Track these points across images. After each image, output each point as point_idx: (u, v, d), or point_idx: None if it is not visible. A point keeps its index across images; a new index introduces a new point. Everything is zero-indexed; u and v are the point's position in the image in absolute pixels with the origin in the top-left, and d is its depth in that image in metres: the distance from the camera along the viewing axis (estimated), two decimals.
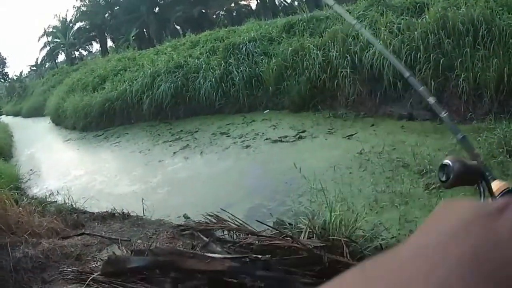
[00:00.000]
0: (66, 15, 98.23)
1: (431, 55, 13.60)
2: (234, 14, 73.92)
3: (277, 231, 6.82)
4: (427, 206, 7.96)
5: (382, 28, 15.85)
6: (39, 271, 7.64)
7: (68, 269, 7.30)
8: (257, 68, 20.38)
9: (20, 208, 9.73)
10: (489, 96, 12.30)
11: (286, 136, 14.79)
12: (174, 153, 16.50)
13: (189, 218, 9.75)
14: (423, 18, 15.02)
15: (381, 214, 8.14)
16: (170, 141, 18.59)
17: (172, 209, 10.76)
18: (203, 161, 14.78)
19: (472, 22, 13.44)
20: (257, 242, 6.51)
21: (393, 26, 15.67)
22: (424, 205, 8.08)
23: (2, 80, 78.33)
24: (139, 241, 8.42)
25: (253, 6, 74.41)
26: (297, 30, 21.32)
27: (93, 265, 7.55)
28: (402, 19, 15.80)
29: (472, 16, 13.53)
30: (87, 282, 6.09)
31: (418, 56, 13.84)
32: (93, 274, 6.31)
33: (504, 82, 11.99)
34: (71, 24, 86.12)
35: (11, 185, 13.08)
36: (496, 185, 1.91)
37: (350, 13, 18.97)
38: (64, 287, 6.81)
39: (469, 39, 13.17)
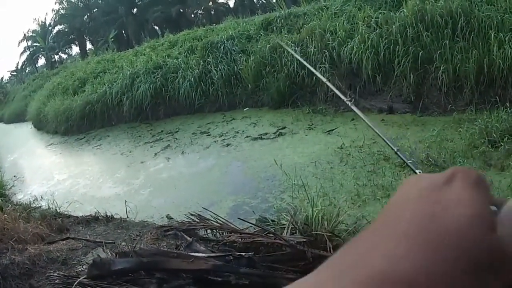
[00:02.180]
0: (45, 18, 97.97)
1: (410, 48, 13.65)
2: (212, 12, 73.77)
3: (260, 228, 6.85)
4: None
5: (360, 22, 15.90)
6: (26, 277, 7.66)
7: (55, 274, 7.28)
8: (235, 66, 20.40)
9: (5, 215, 9.73)
10: (469, 87, 12.36)
11: (266, 133, 14.85)
12: (156, 153, 16.51)
13: (172, 218, 9.78)
14: (401, 12, 15.03)
15: (364, 207, 8.18)
16: (151, 142, 18.63)
17: (155, 210, 10.81)
18: (185, 161, 14.81)
19: (451, 14, 13.48)
20: (240, 239, 6.55)
21: (371, 21, 15.70)
22: None
23: None
24: (123, 243, 8.42)
25: (231, 4, 74.58)
26: (274, 27, 21.35)
27: (79, 269, 7.55)
28: (380, 13, 15.80)
29: (451, 8, 13.56)
30: (73, 286, 6.09)
31: (397, 49, 13.89)
32: (79, 277, 6.29)
33: (484, 73, 12.07)
34: (50, 28, 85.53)
35: None
36: None
37: (327, 8, 19.06)
38: None
39: (448, 31, 13.23)
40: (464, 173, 0.64)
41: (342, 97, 4.71)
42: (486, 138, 9.59)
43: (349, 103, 5.01)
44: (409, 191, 0.65)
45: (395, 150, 3.74)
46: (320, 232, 6.21)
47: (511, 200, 0.65)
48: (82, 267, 7.70)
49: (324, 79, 5.82)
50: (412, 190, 0.64)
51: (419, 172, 2.76)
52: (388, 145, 3.96)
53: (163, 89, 22.63)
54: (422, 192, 0.63)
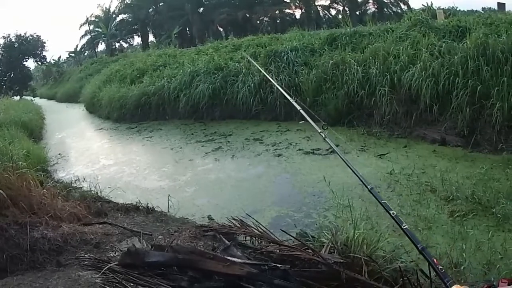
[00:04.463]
0: (109, 5, 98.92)
1: (469, 81, 13.51)
2: (278, 21, 73.77)
3: (300, 243, 6.80)
4: (449, 234, 7.90)
5: (423, 49, 15.83)
6: (55, 254, 7.77)
7: (86, 255, 7.37)
8: (296, 78, 20.31)
9: (44, 190, 9.80)
10: None
11: (319, 149, 14.73)
12: (206, 153, 16.61)
13: (213, 219, 9.83)
14: (464, 43, 14.94)
15: (404, 236, 8.01)
16: (203, 141, 18.73)
17: (197, 209, 10.86)
18: (234, 165, 14.84)
19: None
20: (278, 251, 6.51)
21: (434, 49, 15.65)
22: (447, 232, 8.02)
23: (40, 63, 78.23)
24: (160, 237, 8.50)
25: (298, 16, 74.44)
26: (339, 44, 21.23)
27: (111, 255, 7.61)
28: (444, 42, 15.78)
29: None
30: (103, 271, 6.12)
31: (456, 81, 13.77)
32: (110, 263, 6.33)
33: None
34: (114, 15, 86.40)
35: (38, 167, 13.11)
36: None
37: (393, 31, 19.01)
38: (78, 272, 6.88)
39: (508, 68, 13.06)
40: None
41: (316, 127, 4.70)
42: None
43: (323, 135, 5.00)
44: None
45: (369, 188, 3.80)
46: (358, 255, 6.14)
47: None
48: (115, 253, 7.76)
49: (299, 107, 5.77)
50: None
51: (393, 213, 2.92)
52: (362, 183, 4.00)
53: (222, 91, 22.75)
54: None
